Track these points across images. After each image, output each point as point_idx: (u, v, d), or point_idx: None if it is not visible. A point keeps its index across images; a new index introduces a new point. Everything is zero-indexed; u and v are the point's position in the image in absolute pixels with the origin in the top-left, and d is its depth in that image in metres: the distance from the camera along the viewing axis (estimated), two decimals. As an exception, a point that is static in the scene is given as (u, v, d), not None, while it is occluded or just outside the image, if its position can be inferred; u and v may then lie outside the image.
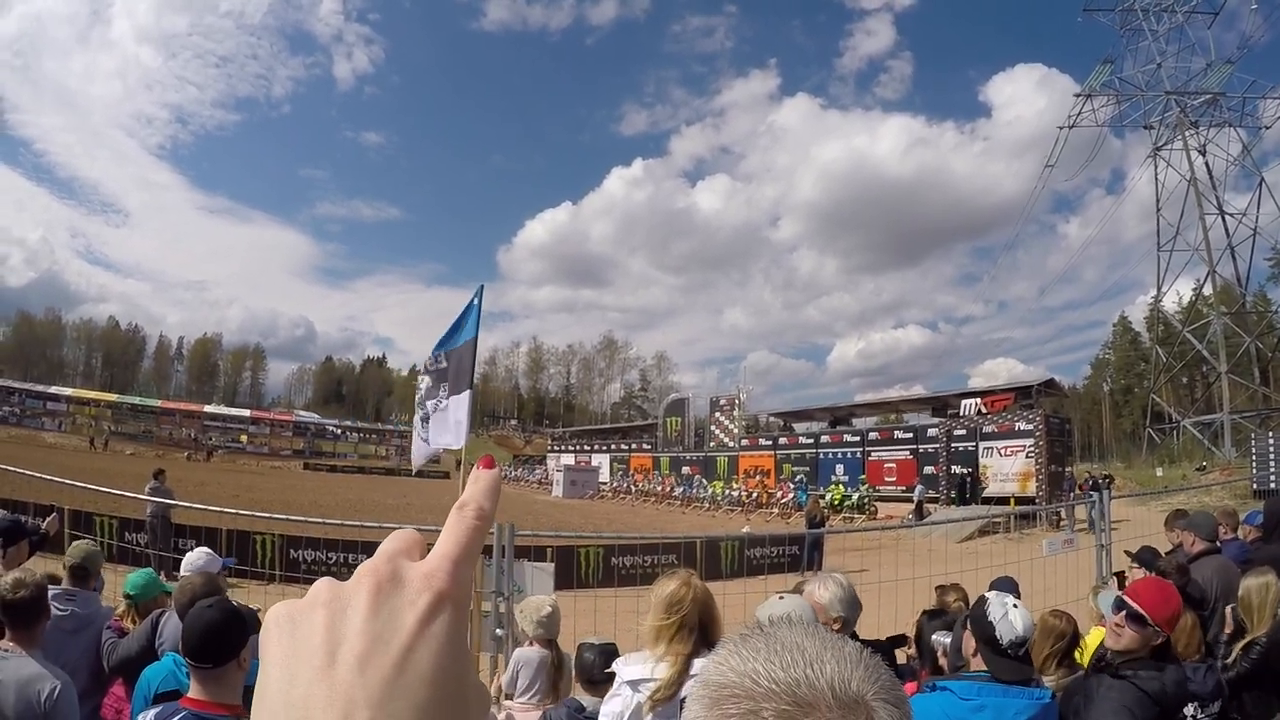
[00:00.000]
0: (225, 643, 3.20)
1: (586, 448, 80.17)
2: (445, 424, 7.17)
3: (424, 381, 7.63)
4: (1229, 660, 5.29)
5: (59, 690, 3.73)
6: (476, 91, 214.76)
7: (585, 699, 4.31)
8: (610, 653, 4.40)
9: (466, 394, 7.04)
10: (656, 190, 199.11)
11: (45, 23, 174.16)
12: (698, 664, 3.50)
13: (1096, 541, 8.46)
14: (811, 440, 53.15)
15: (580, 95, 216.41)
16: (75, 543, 5.45)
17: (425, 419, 7.57)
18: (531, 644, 5.14)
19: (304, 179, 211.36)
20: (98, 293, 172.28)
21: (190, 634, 3.20)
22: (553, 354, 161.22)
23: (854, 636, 3.90)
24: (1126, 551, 6.87)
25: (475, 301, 7.15)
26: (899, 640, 5.37)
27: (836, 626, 3.77)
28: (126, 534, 16.03)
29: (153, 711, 3.16)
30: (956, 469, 40.95)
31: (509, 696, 5.09)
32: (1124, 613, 3.92)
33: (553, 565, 7.06)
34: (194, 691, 3.19)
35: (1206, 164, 59.57)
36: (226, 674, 3.21)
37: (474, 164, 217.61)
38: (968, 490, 37.77)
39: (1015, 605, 3.54)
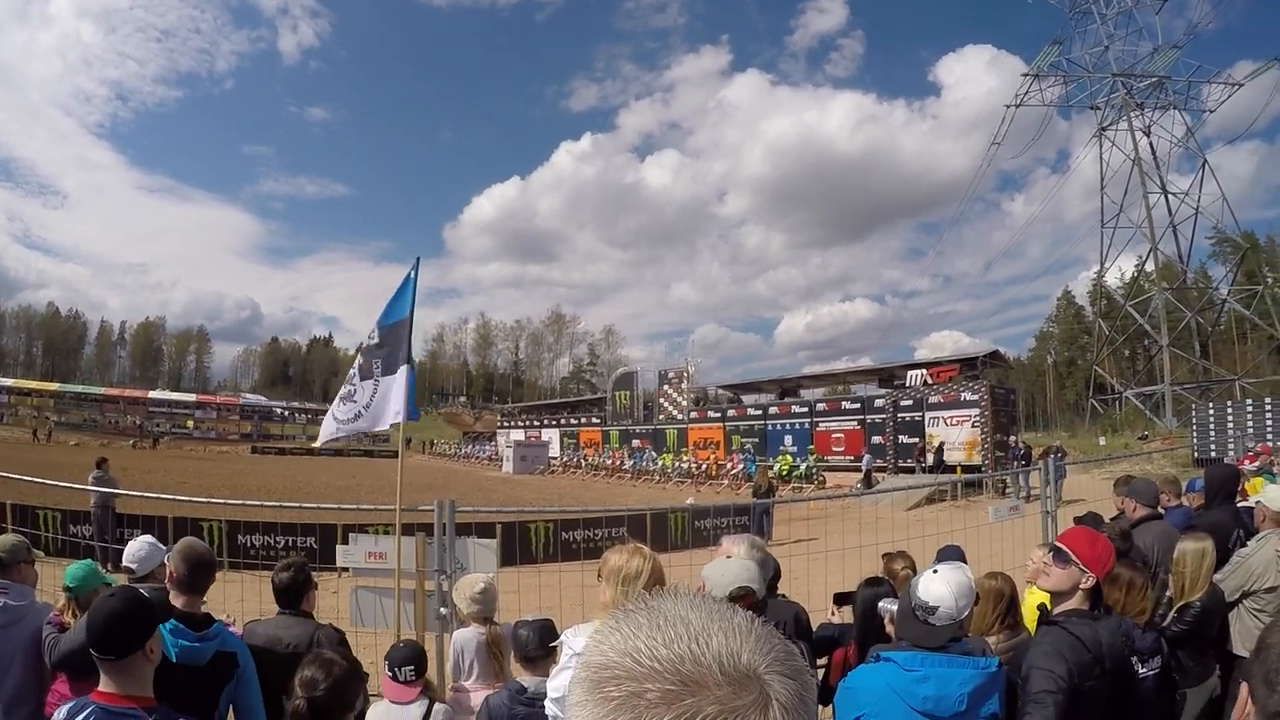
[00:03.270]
0: (128, 633, 3.07)
1: (536, 423, 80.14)
2: (386, 403, 6.96)
3: (358, 360, 7.38)
4: (1165, 623, 5.37)
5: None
6: (425, 66, 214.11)
7: (526, 679, 4.19)
8: (546, 629, 4.30)
9: (404, 370, 6.84)
10: (605, 165, 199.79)
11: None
12: None
13: (1042, 508, 8.50)
14: (760, 412, 53.39)
15: (530, 70, 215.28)
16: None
17: (348, 397, 7.36)
18: (469, 624, 5.05)
19: (247, 156, 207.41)
20: (36, 278, 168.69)
21: (93, 625, 3.07)
22: (501, 330, 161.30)
23: (763, 605, 3.85)
24: (1075, 518, 6.89)
25: (411, 275, 6.96)
26: (846, 598, 5.33)
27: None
28: (71, 526, 15.99)
29: (64, 708, 3.02)
30: (904, 438, 41.50)
31: (455, 678, 4.99)
32: (1051, 553, 3.98)
33: (495, 541, 6.91)
34: (103, 685, 3.07)
35: (1151, 145, 60.78)
36: (133, 665, 3.08)
37: (421, 140, 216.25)
38: (941, 459, 38.00)
39: (935, 571, 3.52)
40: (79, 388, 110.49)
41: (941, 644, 3.41)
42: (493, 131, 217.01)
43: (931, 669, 3.33)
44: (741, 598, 3.62)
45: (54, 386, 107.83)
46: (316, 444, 8.23)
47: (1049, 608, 4.04)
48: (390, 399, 6.89)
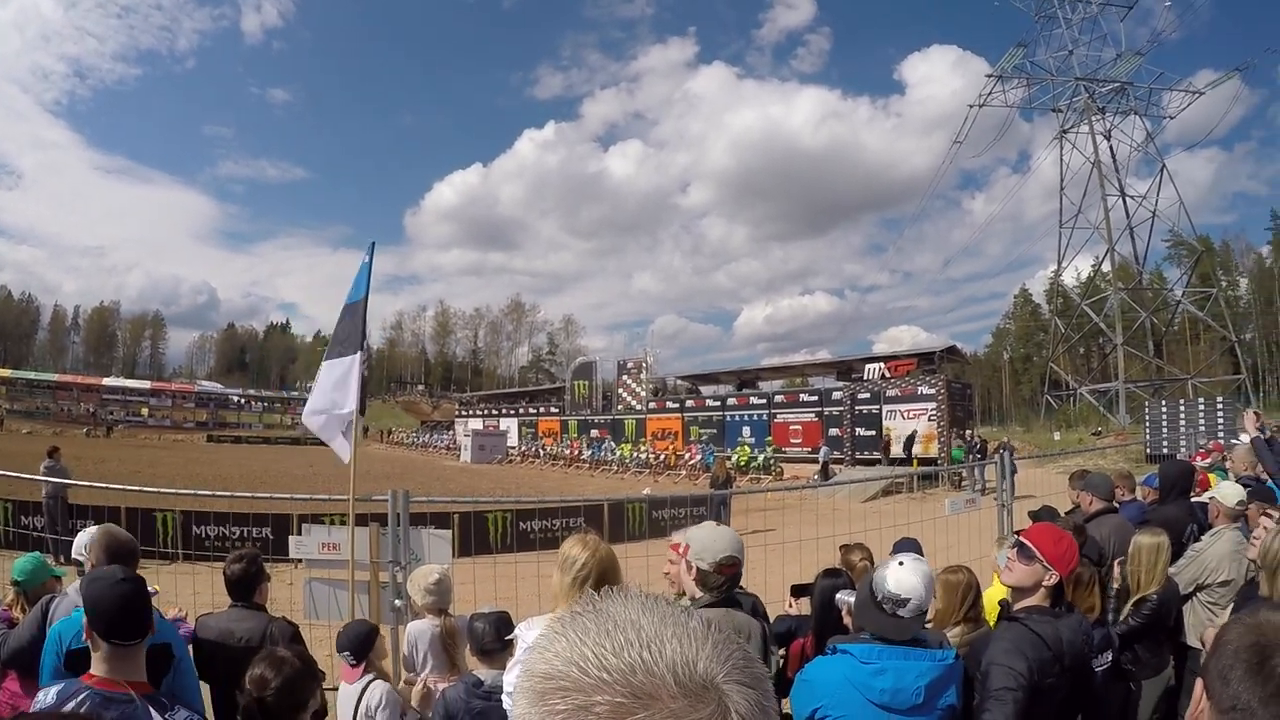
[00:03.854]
0: (143, 615, 3.01)
1: (495, 412, 79.66)
2: (330, 387, 6.82)
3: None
4: (1121, 616, 5.43)
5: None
6: (388, 50, 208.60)
7: (482, 672, 4.14)
8: (502, 621, 4.25)
9: (357, 356, 6.70)
10: (569, 154, 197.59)
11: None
12: None
13: (998, 500, 8.57)
14: (719, 403, 53.45)
15: (495, 57, 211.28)
16: None
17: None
18: (423, 615, 5.00)
19: (207, 137, 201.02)
20: None
21: (106, 609, 2.94)
22: (460, 318, 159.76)
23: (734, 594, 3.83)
24: (1030, 513, 6.94)
25: (366, 260, 6.86)
26: (803, 589, 5.31)
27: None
28: (22, 518, 15.60)
29: (54, 689, 2.91)
30: (861, 431, 41.66)
31: (410, 670, 4.95)
32: (1015, 549, 3.94)
33: (450, 532, 6.84)
34: (100, 669, 2.94)
35: (1111, 148, 61.71)
36: (139, 650, 3.01)
37: (384, 124, 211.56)
38: (910, 449, 38.13)
39: (901, 564, 3.47)
40: (31, 374, 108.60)
41: (909, 637, 3.40)
42: (456, 117, 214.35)
43: (888, 661, 3.31)
44: (729, 566, 3.61)
45: (6, 373, 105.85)
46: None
47: (1010, 603, 4.04)
48: (351, 381, 6.73)
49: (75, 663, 3.24)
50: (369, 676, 4.51)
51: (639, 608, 0.79)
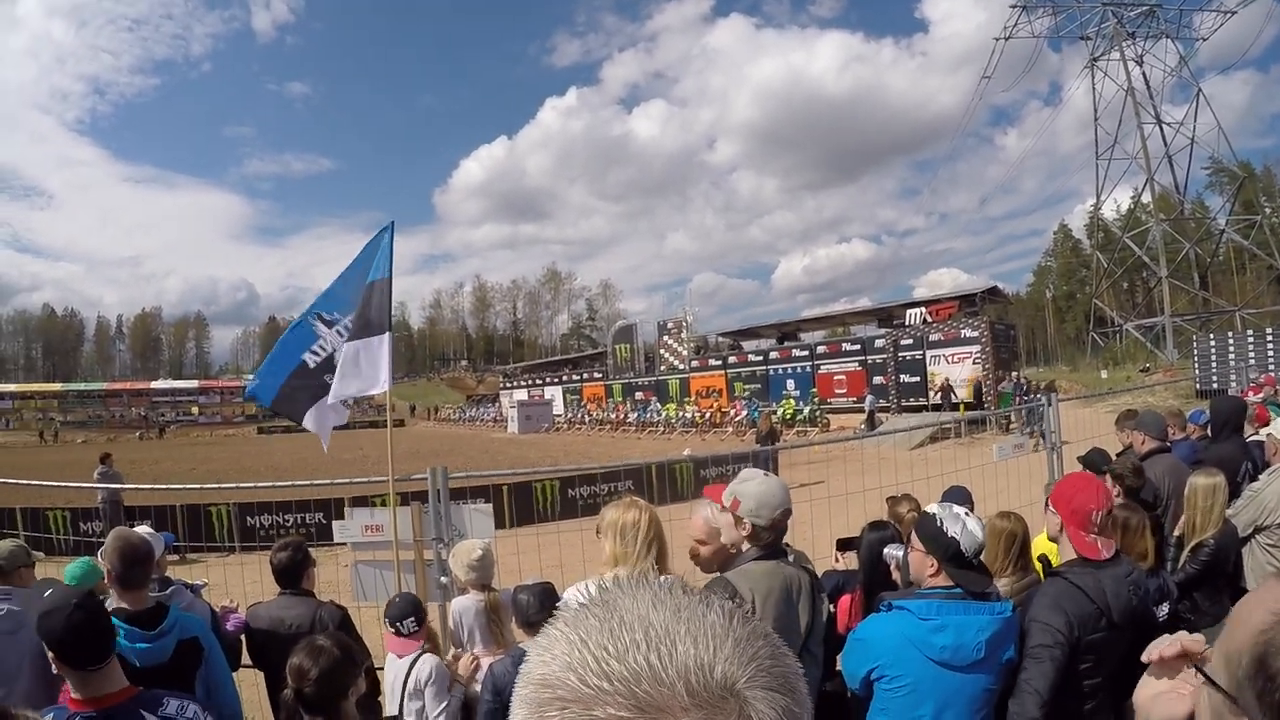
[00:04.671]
0: (100, 640, 2.98)
1: (539, 381, 79.85)
2: (356, 369, 6.72)
3: (320, 329, 7.09)
4: (1179, 564, 5.28)
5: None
6: (402, 33, 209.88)
7: (528, 644, 4.11)
8: (546, 592, 4.21)
9: (387, 335, 6.64)
10: (592, 119, 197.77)
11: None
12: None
13: (1047, 444, 8.39)
14: (760, 357, 53.06)
15: (510, 28, 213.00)
16: None
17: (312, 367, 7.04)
18: (467, 591, 4.99)
19: (230, 138, 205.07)
20: (30, 281, 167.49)
21: (64, 642, 2.93)
22: (497, 291, 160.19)
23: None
24: (1080, 456, 6.79)
25: (386, 238, 6.76)
26: (849, 543, 5.22)
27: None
28: (81, 524, 15.94)
29: (49, 716, 2.89)
30: (906, 378, 41.28)
31: (457, 646, 4.94)
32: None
33: (491, 506, 6.81)
34: (79, 692, 2.94)
35: (1144, 74, 59.80)
36: (110, 666, 2.99)
37: (404, 107, 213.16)
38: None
39: (967, 514, 3.39)
40: (81, 385, 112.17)
41: (986, 589, 3.33)
42: (476, 93, 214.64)
43: (949, 617, 3.24)
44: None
45: (56, 387, 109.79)
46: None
47: (1050, 560, 3.96)
48: (381, 361, 6.67)
49: None
50: (417, 650, 4.53)
51: (650, 600, 0.69)
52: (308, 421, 7.07)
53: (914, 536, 3.58)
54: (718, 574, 3.46)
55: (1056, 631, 3.33)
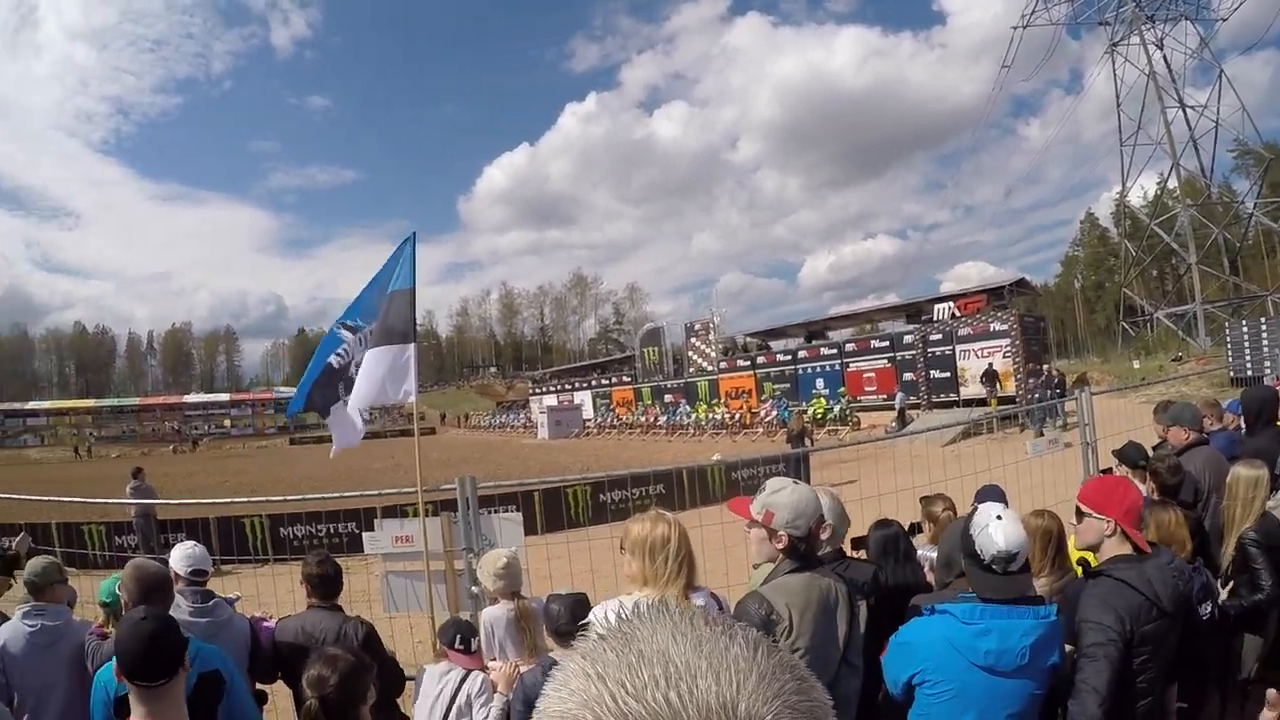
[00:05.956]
0: (169, 654, 2.96)
1: (568, 386, 79.90)
2: (379, 377, 6.70)
3: (344, 334, 7.13)
4: (1225, 562, 5.18)
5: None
6: (420, 43, 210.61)
7: (559, 654, 4.10)
8: (579, 603, 4.18)
9: (412, 345, 6.65)
10: (613, 123, 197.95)
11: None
12: (696, 598, 3.46)
13: (1081, 439, 8.27)
14: (789, 357, 52.70)
15: (527, 35, 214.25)
16: (31, 559, 5.37)
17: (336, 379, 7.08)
18: (497, 601, 4.99)
19: (254, 153, 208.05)
20: (62, 300, 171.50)
21: (126, 650, 2.91)
22: (524, 297, 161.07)
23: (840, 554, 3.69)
24: (1114, 450, 6.68)
25: (408, 249, 6.75)
26: (860, 542, 5.15)
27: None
28: (116, 538, 16.20)
29: None
30: (936, 373, 40.84)
31: (489, 656, 4.93)
32: (1075, 515, 3.85)
33: (520, 515, 6.78)
34: (137, 713, 2.92)
35: (1164, 58, 58.59)
36: (172, 688, 2.96)
37: (425, 116, 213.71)
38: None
39: (1000, 517, 3.28)
40: (114, 401, 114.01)
41: (1018, 595, 3.24)
42: (496, 101, 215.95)
43: (992, 621, 3.16)
44: (820, 529, 3.46)
45: (90, 403, 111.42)
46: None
47: (1090, 563, 3.88)
48: (407, 371, 6.67)
49: (123, 708, 3.19)
50: (475, 666, 4.59)
51: (670, 632, 0.64)
52: (332, 420, 7.11)
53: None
54: (753, 590, 3.40)
55: (1109, 629, 3.28)
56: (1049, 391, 31.17)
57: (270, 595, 7.11)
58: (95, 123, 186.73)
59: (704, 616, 0.68)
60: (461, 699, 4.43)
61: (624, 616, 0.69)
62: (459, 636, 4.58)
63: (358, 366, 6.90)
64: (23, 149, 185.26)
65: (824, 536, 3.72)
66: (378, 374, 6.62)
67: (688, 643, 0.62)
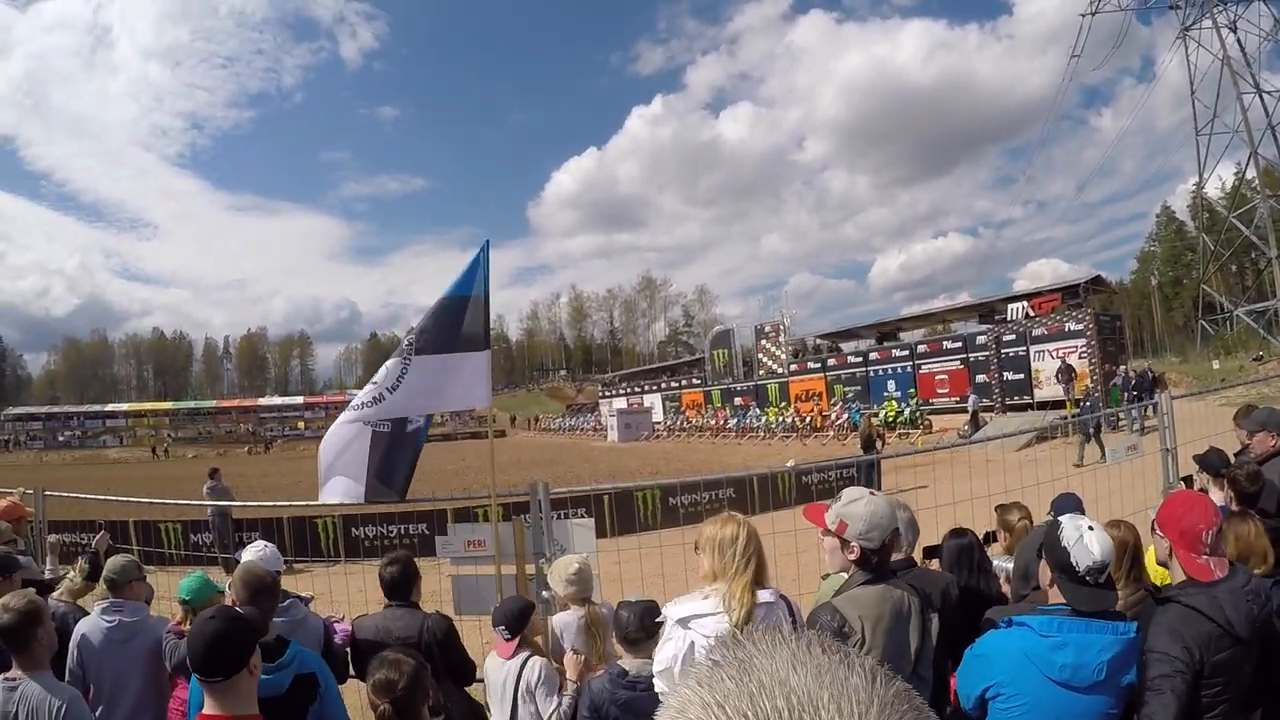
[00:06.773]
0: (232, 653, 3.08)
1: (637, 389, 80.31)
2: (465, 382, 6.69)
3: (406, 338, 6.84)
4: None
5: (65, 707, 3.81)
6: (486, 51, 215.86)
7: (627, 661, 4.12)
8: (649, 610, 4.18)
9: (487, 352, 6.67)
10: (680, 125, 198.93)
11: (49, 59, 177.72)
12: (763, 594, 3.43)
13: (1160, 444, 8.07)
14: (860, 359, 52.21)
15: (592, 40, 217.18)
16: (111, 557, 5.50)
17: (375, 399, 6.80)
18: (568, 607, 5.02)
19: (326, 163, 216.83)
20: (141, 307, 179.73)
21: (194, 648, 3.07)
22: (594, 300, 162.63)
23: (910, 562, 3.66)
24: (1195, 456, 6.51)
25: (481, 256, 6.75)
26: (936, 550, 5.08)
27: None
28: (192, 536, 16.58)
29: None
30: (1009, 375, 40.15)
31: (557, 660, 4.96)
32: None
33: (592, 520, 6.81)
34: (209, 708, 3.07)
35: (1239, 41, 56.54)
36: (238, 684, 3.09)
37: (493, 123, 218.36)
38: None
39: (1092, 528, 3.22)
40: (191, 404, 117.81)
41: (1108, 608, 3.19)
42: (563, 106, 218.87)
43: (1070, 634, 3.10)
44: (893, 540, 3.46)
45: (167, 405, 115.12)
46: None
47: (1157, 588, 3.82)
48: (480, 377, 6.66)
49: None
50: (526, 653, 4.62)
51: (789, 660, 0.63)
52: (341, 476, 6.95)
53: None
54: (825, 601, 3.40)
55: (1175, 660, 3.16)
56: (1128, 394, 30.48)
57: (342, 595, 7.21)
58: (171, 137, 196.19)
59: (820, 642, 0.68)
60: (523, 687, 4.49)
61: (739, 641, 0.68)
62: (504, 625, 4.65)
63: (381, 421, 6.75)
64: (101, 164, 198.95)
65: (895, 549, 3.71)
66: (443, 380, 6.60)
67: (808, 672, 0.62)
